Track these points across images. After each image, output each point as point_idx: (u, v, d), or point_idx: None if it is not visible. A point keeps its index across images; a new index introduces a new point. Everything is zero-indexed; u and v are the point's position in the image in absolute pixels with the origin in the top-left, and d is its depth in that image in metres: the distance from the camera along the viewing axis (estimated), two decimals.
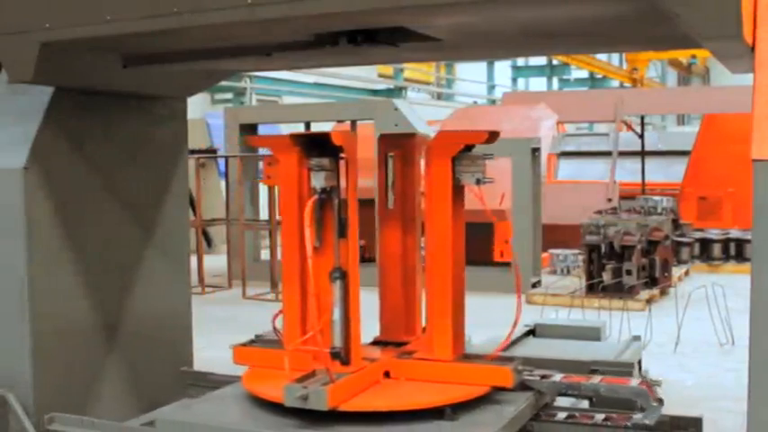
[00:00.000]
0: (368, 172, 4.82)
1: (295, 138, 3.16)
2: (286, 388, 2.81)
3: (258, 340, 3.62)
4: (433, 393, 2.99)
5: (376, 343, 3.48)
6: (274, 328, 3.43)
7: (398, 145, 3.49)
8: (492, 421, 2.87)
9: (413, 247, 3.48)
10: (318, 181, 3.05)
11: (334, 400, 2.79)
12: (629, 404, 3.25)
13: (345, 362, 3.07)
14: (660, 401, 3.06)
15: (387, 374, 3.19)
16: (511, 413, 2.95)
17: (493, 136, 3.18)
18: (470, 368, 3.13)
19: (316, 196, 3.06)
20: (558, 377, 3.25)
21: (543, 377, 3.24)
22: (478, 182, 3.16)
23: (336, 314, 3.10)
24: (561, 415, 3.19)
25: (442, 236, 3.18)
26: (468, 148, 3.19)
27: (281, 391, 2.83)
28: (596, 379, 3.25)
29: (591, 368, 3.64)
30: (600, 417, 3.14)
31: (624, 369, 3.68)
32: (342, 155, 3.11)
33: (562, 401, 3.38)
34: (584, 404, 3.48)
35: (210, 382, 3.79)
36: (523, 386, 3.16)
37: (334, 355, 3.06)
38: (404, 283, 3.49)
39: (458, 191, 3.20)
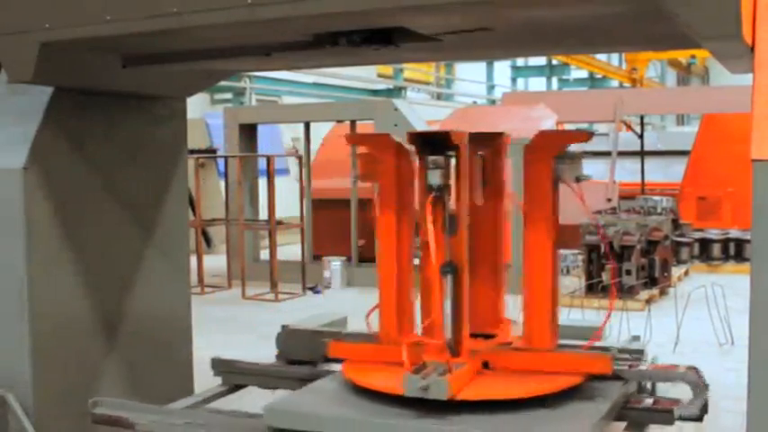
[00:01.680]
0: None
1: (411, 136, 3.25)
2: (407, 378, 2.86)
3: (349, 334, 3.73)
4: (540, 382, 3.06)
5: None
6: (367, 324, 3.52)
7: (487, 144, 3.54)
8: (595, 409, 2.95)
9: (501, 244, 3.59)
10: (435, 179, 3.11)
11: (453, 390, 2.87)
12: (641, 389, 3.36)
13: (455, 353, 3.15)
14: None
15: (485, 365, 3.27)
16: (610, 401, 3.02)
17: (590, 136, 3.28)
18: (570, 357, 3.21)
19: (433, 194, 3.13)
20: (644, 366, 3.34)
21: (630, 366, 3.31)
22: (578, 179, 3.26)
23: (448, 307, 3.19)
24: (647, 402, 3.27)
25: (542, 232, 3.26)
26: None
27: (394, 382, 2.90)
28: (682, 368, 3.31)
29: None
30: (648, 402, 3.23)
31: (636, 356, 3.74)
32: (452, 153, 3.17)
33: None
34: None
35: (243, 370, 3.91)
36: (614, 375, 3.24)
37: (447, 347, 3.14)
38: (492, 278, 3.59)
39: (555, 189, 3.29)
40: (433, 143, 3.16)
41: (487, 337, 3.49)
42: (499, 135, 3.55)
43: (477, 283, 3.57)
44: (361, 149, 3.45)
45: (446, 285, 3.20)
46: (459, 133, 3.13)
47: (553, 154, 3.24)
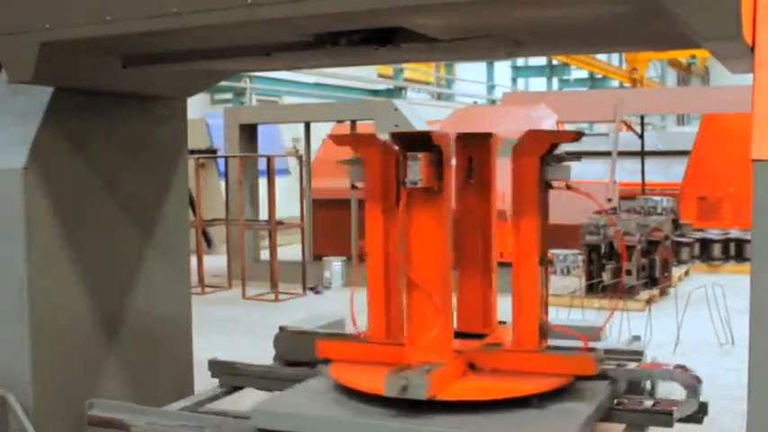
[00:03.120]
0: None
1: (394, 136, 3.27)
2: (387, 378, 2.87)
3: (336, 335, 3.76)
4: (525, 382, 3.07)
5: (455, 335, 3.56)
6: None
7: (477, 144, 3.54)
8: (579, 409, 2.95)
9: (490, 244, 3.59)
10: (414, 175, 3.09)
11: (433, 390, 2.87)
12: (637, 389, 3.37)
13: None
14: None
15: (471, 365, 3.27)
16: (596, 401, 3.03)
17: (578, 135, 3.29)
18: (555, 358, 3.20)
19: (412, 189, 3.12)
20: (632, 365, 3.35)
21: (618, 366, 3.33)
22: (566, 179, 3.27)
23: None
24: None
25: (528, 233, 3.25)
26: (555, 147, 3.28)
27: (379, 382, 2.90)
28: (670, 366, 3.32)
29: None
30: (648, 403, 3.22)
31: (635, 357, 3.74)
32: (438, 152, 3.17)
33: None
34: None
35: (240, 372, 3.94)
36: (599, 375, 3.25)
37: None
38: (481, 278, 3.59)
39: (544, 189, 3.28)
40: (416, 143, 3.16)
41: (476, 336, 3.49)
42: (488, 135, 3.54)
43: (465, 284, 3.59)
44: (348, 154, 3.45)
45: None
46: (442, 133, 3.15)
47: (540, 154, 3.23)
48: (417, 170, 3.05)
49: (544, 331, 3.32)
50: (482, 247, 3.57)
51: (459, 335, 3.52)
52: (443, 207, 3.18)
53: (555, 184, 3.30)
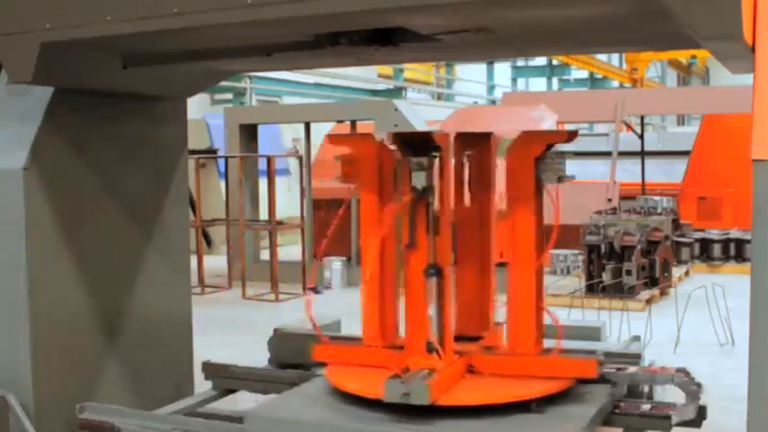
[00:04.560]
0: None
1: (394, 137, 3.21)
2: (387, 384, 2.83)
3: (333, 338, 3.69)
4: (525, 386, 3.02)
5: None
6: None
7: (475, 144, 3.51)
8: (581, 413, 2.92)
9: (489, 245, 3.55)
10: (419, 180, 3.07)
11: (434, 395, 2.82)
12: (638, 393, 3.34)
13: (441, 356, 3.11)
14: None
15: (469, 368, 3.24)
16: (597, 405, 2.99)
17: (572, 135, 3.24)
18: (555, 361, 3.17)
19: (416, 195, 3.08)
20: (633, 369, 3.30)
21: (618, 369, 3.28)
22: (560, 180, 3.20)
23: (432, 310, 3.15)
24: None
25: (524, 234, 3.22)
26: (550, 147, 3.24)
27: (376, 386, 2.85)
28: (671, 369, 3.27)
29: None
30: (646, 407, 3.19)
31: (632, 360, 3.73)
32: (436, 154, 3.13)
33: None
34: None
35: (233, 375, 3.90)
36: (600, 378, 3.21)
37: (431, 350, 3.10)
38: (479, 279, 3.55)
39: (538, 190, 3.25)
40: (416, 144, 3.12)
41: (474, 339, 3.44)
42: (487, 135, 3.52)
43: (463, 285, 3.53)
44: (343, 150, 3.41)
45: (431, 288, 3.15)
46: (442, 134, 3.11)
47: (535, 154, 3.19)
48: (422, 177, 3.03)
49: (541, 333, 3.29)
50: (480, 248, 3.54)
51: (456, 337, 3.47)
52: (442, 207, 3.16)
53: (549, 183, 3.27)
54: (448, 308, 3.19)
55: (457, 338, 3.44)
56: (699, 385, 3.14)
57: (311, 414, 3.01)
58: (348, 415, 2.94)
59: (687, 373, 3.16)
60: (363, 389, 3.00)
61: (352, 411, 2.96)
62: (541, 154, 3.19)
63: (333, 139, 3.52)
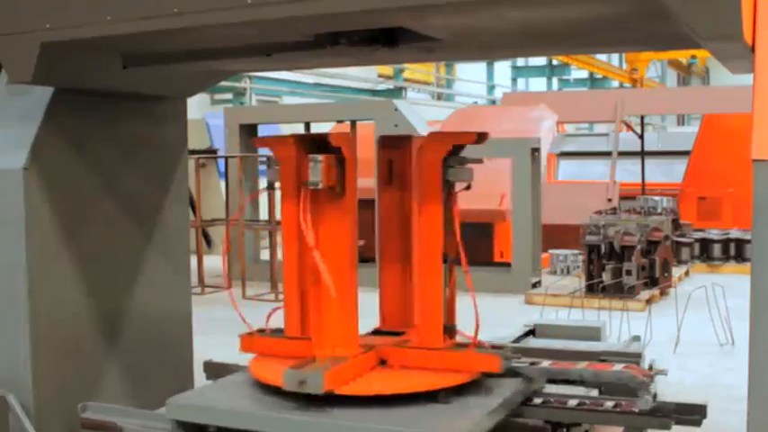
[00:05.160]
0: (368, 172, 4.82)
1: (296, 138, 3.32)
2: (285, 373, 2.96)
3: (261, 330, 3.76)
4: (426, 378, 3.14)
5: (375, 333, 3.63)
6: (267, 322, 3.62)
7: (398, 146, 3.61)
8: (482, 404, 3.03)
9: (410, 244, 3.63)
10: (315, 175, 3.14)
11: (330, 384, 2.94)
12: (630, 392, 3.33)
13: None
14: (646, 384, 3.17)
15: (383, 362, 3.33)
16: (500, 397, 3.11)
17: (481, 137, 3.31)
18: (460, 355, 3.26)
19: (308, 191, 3.18)
20: (546, 363, 3.39)
21: (532, 363, 3.37)
22: (468, 186, 3.32)
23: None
24: (572, 402, 3.27)
25: (430, 231, 3.30)
26: (459, 148, 3.31)
27: (282, 376, 2.99)
28: (582, 365, 3.37)
29: (600, 358, 3.75)
30: (609, 404, 3.22)
31: (632, 359, 3.74)
32: (339, 154, 3.22)
33: (575, 390, 3.47)
34: (595, 393, 3.57)
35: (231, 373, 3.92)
36: (514, 373, 3.32)
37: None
38: (402, 277, 3.64)
39: (448, 190, 3.31)
40: (317, 145, 3.23)
41: (395, 334, 3.55)
42: (408, 138, 3.61)
43: (387, 283, 3.66)
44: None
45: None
46: (341, 135, 3.21)
47: (442, 156, 3.27)
48: (318, 171, 3.12)
49: (450, 329, 3.38)
50: (402, 246, 3.63)
51: (378, 332, 3.60)
52: (347, 207, 3.24)
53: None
54: (354, 302, 3.29)
55: (379, 333, 3.58)
56: (650, 377, 3.19)
57: (226, 402, 3.13)
58: (257, 402, 3.08)
59: (636, 368, 3.21)
60: (273, 378, 3.11)
61: (264, 399, 3.09)
62: (449, 156, 3.26)
63: (258, 140, 3.67)
